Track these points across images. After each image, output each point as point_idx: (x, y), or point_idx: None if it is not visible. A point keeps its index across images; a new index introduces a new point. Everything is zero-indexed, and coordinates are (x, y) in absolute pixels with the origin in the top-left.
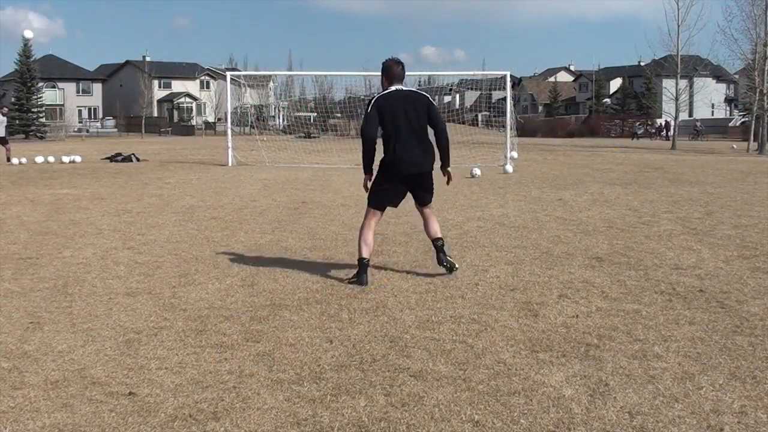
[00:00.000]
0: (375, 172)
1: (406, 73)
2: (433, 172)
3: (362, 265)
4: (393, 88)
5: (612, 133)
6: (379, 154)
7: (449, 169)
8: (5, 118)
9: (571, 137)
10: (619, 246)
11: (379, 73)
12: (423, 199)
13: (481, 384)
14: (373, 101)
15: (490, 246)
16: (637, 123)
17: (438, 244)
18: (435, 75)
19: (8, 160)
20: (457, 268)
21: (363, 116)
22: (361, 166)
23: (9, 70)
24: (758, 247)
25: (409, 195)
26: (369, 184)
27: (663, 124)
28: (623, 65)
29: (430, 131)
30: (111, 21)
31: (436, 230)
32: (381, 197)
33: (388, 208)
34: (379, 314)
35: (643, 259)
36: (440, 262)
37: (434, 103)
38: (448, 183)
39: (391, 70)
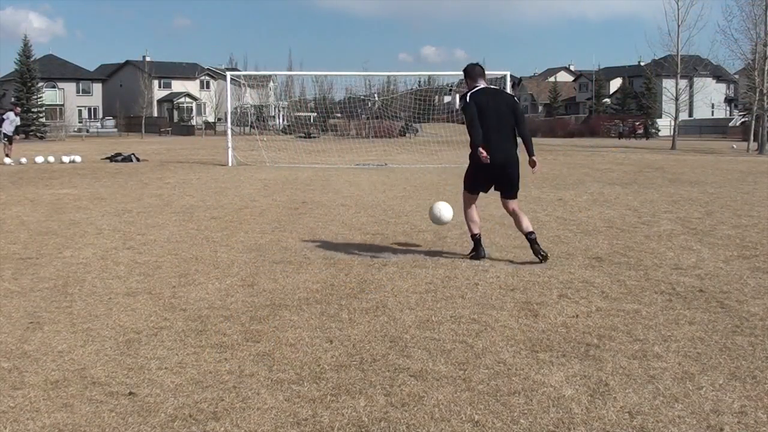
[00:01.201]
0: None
1: (407, 73)
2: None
3: (476, 240)
4: (481, 85)
5: (612, 133)
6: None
7: (534, 157)
8: (17, 118)
9: (571, 137)
10: (619, 246)
11: (379, 74)
12: (509, 192)
13: (481, 384)
14: (469, 95)
15: (490, 246)
16: (621, 123)
17: (531, 238)
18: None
19: (7, 156)
20: (548, 258)
21: (462, 108)
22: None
23: (9, 70)
24: (758, 247)
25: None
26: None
27: (636, 124)
28: (623, 65)
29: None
30: (111, 21)
31: (528, 225)
32: (475, 183)
33: (388, 207)
34: (379, 314)
35: (643, 259)
36: (536, 253)
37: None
38: (533, 167)
39: (475, 71)
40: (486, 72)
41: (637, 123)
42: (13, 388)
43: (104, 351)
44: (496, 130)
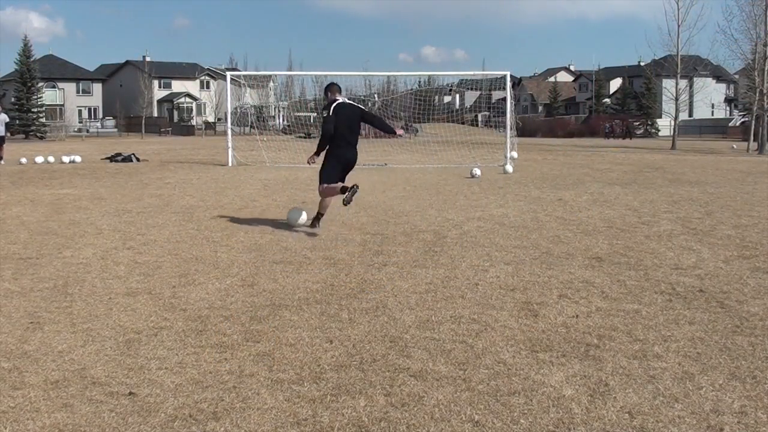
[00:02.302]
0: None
1: (407, 73)
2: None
3: (320, 216)
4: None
5: (618, 132)
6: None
7: (397, 131)
8: (4, 115)
9: (571, 137)
10: (619, 246)
11: (379, 74)
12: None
13: (481, 384)
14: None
15: (490, 246)
16: (606, 123)
17: (353, 190)
18: (435, 75)
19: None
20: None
21: (325, 117)
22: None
23: (9, 70)
24: (758, 247)
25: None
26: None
27: (614, 123)
28: (623, 65)
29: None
30: (111, 21)
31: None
32: (333, 175)
33: (388, 207)
34: (379, 314)
35: (643, 259)
36: (344, 202)
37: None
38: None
39: (333, 88)
40: (485, 72)
41: (617, 123)
42: (13, 388)
43: (104, 351)
44: (349, 134)
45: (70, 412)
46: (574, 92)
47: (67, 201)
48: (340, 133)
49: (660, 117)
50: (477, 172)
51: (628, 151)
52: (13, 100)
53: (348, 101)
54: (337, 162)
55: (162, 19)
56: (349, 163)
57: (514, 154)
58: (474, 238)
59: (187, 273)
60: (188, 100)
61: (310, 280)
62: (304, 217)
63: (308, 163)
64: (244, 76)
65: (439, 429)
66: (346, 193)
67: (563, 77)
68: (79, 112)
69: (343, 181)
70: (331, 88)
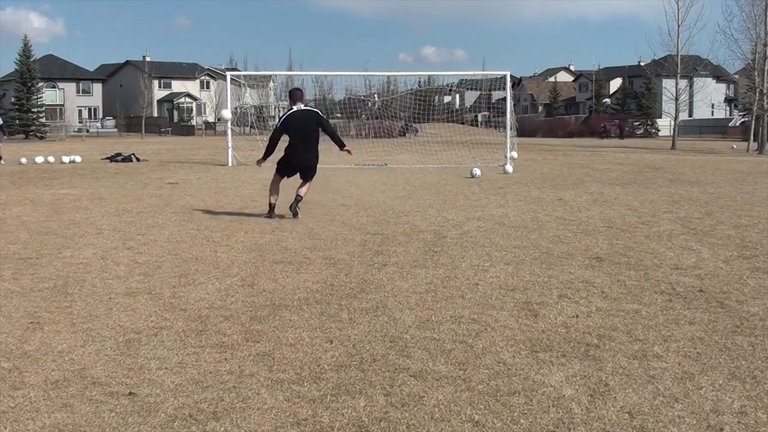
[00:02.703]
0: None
1: (407, 73)
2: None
3: (271, 207)
4: (295, 107)
5: (612, 133)
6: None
7: (346, 148)
8: None
9: (571, 137)
10: (619, 246)
11: (379, 74)
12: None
13: (481, 384)
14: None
15: (490, 246)
16: (601, 124)
17: (297, 199)
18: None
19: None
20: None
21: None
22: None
23: (9, 70)
24: (758, 247)
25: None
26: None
27: (606, 124)
28: (623, 65)
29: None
30: (111, 21)
31: (302, 192)
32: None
33: (388, 207)
34: (379, 314)
35: (643, 259)
36: (291, 208)
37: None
38: (349, 152)
39: (295, 95)
40: (485, 72)
41: (610, 124)
42: (13, 388)
43: (104, 351)
44: (302, 140)
45: (70, 412)
46: (574, 92)
47: (67, 201)
48: (291, 142)
49: (660, 117)
50: (477, 172)
51: (628, 151)
52: (13, 100)
53: (306, 108)
54: (287, 163)
55: (162, 19)
56: (301, 167)
57: (514, 154)
58: (474, 238)
59: (187, 273)
60: (188, 100)
61: (310, 280)
62: (228, 114)
63: (258, 164)
64: (244, 76)
65: (439, 429)
66: (293, 202)
67: (563, 77)
68: (79, 112)
69: (302, 183)
70: (291, 95)
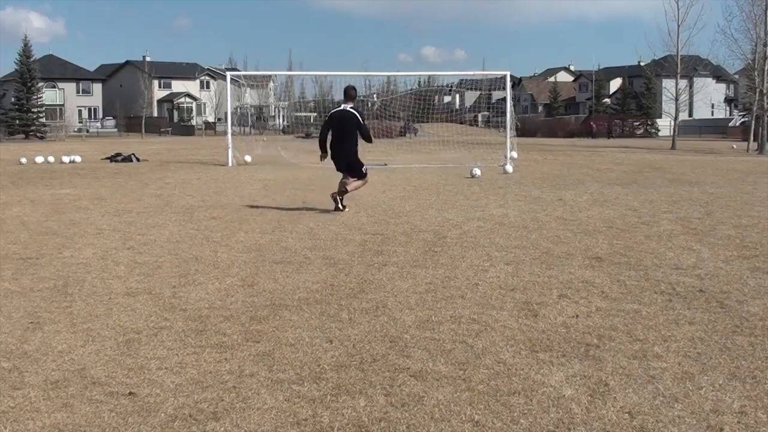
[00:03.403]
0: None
1: (407, 73)
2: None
3: (334, 200)
4: (343, 105)
5: (598, 132)
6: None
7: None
8: None
9: (570, 137)
10: (619, 246)
11: (379, 73)
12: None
13: (481, 384)
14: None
15: (490, 246)
16: (589, 122)
17: (341, 191)
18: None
19: None
20: (342, 209)
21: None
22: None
23: (9, 70)
24: (758, 247)
25: None
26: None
27: (591, 124)
28: (623, 65)
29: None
30: (111, 21)
31: (350, 186)
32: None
33: (388, 207)
34: (379, 314)
35: (643, 259)
36: (332, 195)
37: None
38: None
39: (349, 94)
40: (485, 72)
41: (598, 124)
42: (13, 388)
43: (104, 351)
44: (338, 139)
45: (70, 412)
46: (574, 92)
47: (67, 201)
48: (331, 138)
49: (660, 117)
50: (477, 172)
51: (628, 151)
52: (13, 100)
53: (346, 109)
54: (331, 156)
55: (162, 19)
56: (338, 162)
57: (514, 154)
58: (474, 238)
59: (187, 273)
60: (188, 100)
61: (310, 280)
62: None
63: (320, 160)
64: (244, 76)
65: (439, 429)
66: (336, 192)
67: (563, 77)
68: (79, 112)
69: (348, 176)
70: (345, 92)
